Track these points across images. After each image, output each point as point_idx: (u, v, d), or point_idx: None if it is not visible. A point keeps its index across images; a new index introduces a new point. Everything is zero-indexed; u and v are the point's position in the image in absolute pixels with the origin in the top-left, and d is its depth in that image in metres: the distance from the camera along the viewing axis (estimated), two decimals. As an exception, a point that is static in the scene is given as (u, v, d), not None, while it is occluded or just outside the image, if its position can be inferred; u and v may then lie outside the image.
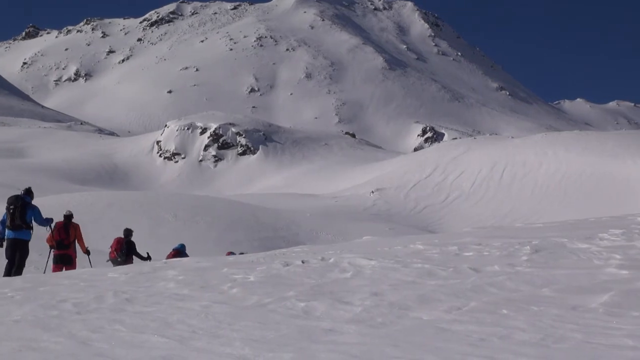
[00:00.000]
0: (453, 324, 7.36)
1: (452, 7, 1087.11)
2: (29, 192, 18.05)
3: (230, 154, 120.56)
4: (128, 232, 23.26)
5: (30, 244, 17.84)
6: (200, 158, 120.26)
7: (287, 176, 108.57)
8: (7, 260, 17.43)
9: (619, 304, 7.57)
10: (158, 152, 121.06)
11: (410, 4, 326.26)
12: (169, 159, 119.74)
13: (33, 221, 17.72)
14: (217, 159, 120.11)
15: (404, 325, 7.57)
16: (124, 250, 22.18)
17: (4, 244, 17.46)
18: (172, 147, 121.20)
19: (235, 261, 14.11)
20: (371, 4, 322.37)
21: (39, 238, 19.58)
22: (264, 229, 49.06)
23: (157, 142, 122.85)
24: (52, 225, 18.72)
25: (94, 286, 11.68)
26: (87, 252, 20.16)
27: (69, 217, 19.38)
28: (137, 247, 23.17)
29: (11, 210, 17.29)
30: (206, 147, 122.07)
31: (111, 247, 22.92)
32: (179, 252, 23.61)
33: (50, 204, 35.94)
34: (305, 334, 7.48)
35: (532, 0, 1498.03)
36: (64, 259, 18.70)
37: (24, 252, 17.53)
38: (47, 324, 8.66)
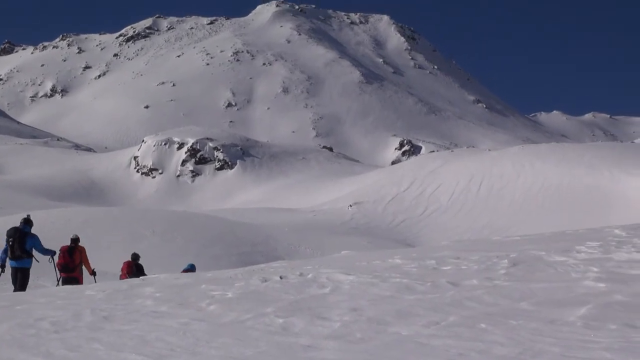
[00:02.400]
0: (432, 339, 7.37)
1: (427, 20, 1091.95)
2: (27, 222, 18.61)
3: (208, 168, 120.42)
4: (136, 256, 23.96)
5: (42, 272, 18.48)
6: (178, 173, 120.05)
7: (265, 191, 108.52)
8: (13, 286, 18.29)
9: (596, 317, 7.60)
10: (135, 168, 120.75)
11: (386, 17, 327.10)
12: (147, 174, 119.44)
13: (35, 250, 18.34)
14: (195, 174, 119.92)
15: (382, 340, 7.57)
16: (135, 273, 22.30)
17: (4, 270, 18.22)
18: (149, 163, 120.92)
19: (214, 277, 14.07)
20: (347, 18, 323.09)
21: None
22: (242, 244, 48.92)
23: (135, 158, 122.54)
24: (55, 257, 19.38)
25: (71, 304, 11.63)
26: (93, 273, 20.52)
27: (75, 240, 19.95)
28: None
29: (10, 242, 17.97)
30: (183, 162, 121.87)
31: (122, 270, 23.42)
32: (189, 272, 23.72)
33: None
34: (284, 350, 7.47)
35: (507, 13, 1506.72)
36: (71, 282, 18.91)
37: (25, 278, 18.23)
38: (24, 343, 8.61)
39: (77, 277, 19.48)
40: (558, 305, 8.28)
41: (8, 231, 18.42)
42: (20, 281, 18.08)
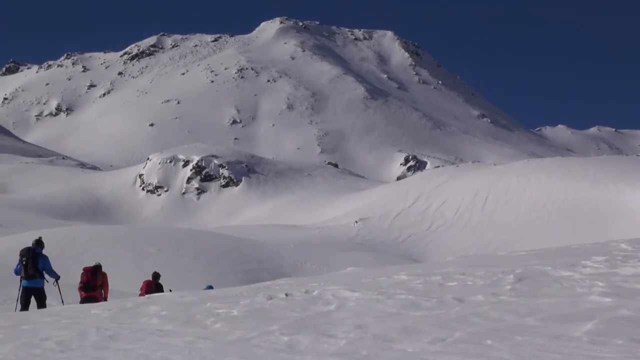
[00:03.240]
0: (437, 356, 7.34)
1: (431, 35, 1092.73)
2: (39, 243, 19.19)
3: (213, 186, 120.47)
4: (157, 275, 24.17)
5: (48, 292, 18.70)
6: (183, 191, 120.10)
7: (271, 207, 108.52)
8: (21, 307, 18.53)
9: (602, 332, 7.57)
10: (141, 186, 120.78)
11: (390, 33, 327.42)
12: (152, 192, 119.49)
13: (44, 270, 18.80)
14: (200, 191, 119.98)
15: (388, 357, 7.54)
16: (154, 292, 22.44)
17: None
18: (154, 180, 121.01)
19: (219, 295, 14.05)
20: (351, 34, 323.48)
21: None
22: (248, 261, 48.92)
23: (140, 176, 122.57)
24: (58, 281, 19.52)
25: (76, 323, 11.61)
26: (105, 300, 20.64)
27: (98, 267, 20.56)
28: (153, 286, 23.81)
29: (24, 262, 18.49)
30: (189, 180, 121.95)
31: (141, 289, 23.70)
32: None
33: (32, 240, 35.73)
34: (290, 368, 7.44)
35: (511, 27, 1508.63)
36: (90, 302, 18.96)
37: (42, 298, 18.66)
38: (30, 364, 8.59)
39: (97, 297, 19.83)
40: (564, 321, 8.25)
41: (21, 251, 18.85)
42: (38, 301, 18.46)
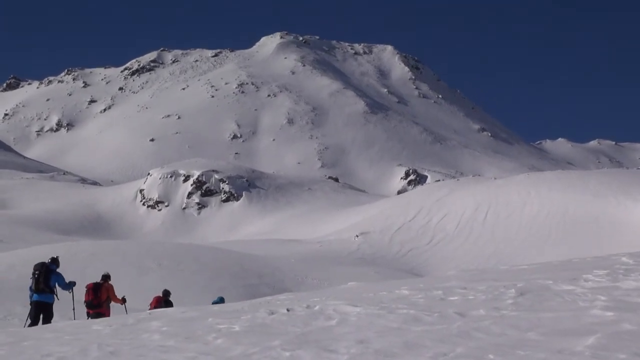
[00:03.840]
0: (440, 371, 7.32)
1: (431, 49, 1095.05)
2: (54, 261, 19.55)
3: (214, 200, 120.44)
4: (167, 293, 24.68)
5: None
6: (184, 206, 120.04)
7: (271, 222, 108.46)
8: (30, 321, 18.80)
9: (605, 347, 7.54)
10: (141, 201, 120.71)
11: (390, 47, 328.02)
12: (153, 207, 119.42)
13: (57, 286, 19.20)
14: (201, 206, 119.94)
15: (390, 373, 7.53)
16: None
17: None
18: (155, 195, 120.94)
19: (220, 310, 14.06)
20: (351, 49, 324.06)
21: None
22: (249, 276, 48.82)
23: (140, 191, 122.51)
24: (74, 287, 20.04)
25: (78, 339, 11.61)
26: (123, 301, 21.81)
27: (106, 277, 21.42)
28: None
29: (36, 275, 18.80)
30: (189, 195, 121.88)
31: (150, 305, 24.03)
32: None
33: (35, 255, 35.73)
34: (292, 384, 7.43)
35: (511, 42, 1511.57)
36: (98, 318, 19.28)
37: (49, 314, 18.92)
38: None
39: (104, 313, 20.29)
40: (566, 335, 8.24)
41: (35, 265, 19.18)
42: (44, 317, 18.69)
